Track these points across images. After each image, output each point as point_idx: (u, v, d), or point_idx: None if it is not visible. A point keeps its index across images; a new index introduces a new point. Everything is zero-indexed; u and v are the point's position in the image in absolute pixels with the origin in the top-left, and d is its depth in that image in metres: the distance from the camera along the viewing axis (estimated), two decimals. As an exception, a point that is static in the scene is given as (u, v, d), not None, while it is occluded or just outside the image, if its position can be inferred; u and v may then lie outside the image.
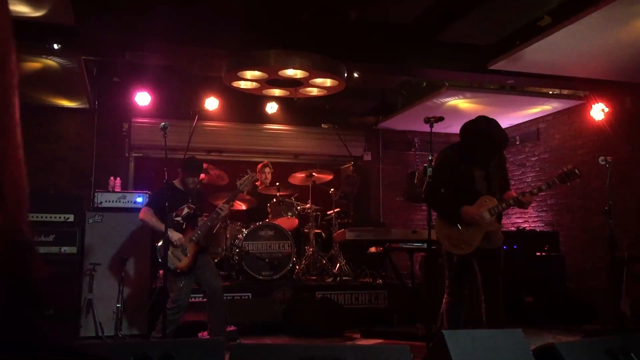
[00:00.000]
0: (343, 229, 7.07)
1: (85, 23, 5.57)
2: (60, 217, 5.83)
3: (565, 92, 7.70)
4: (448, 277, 4.29)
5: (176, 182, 5.22)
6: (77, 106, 7.97)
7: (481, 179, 4.20)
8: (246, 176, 5.25)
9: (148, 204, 5.18)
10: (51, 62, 6.24)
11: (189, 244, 4.93)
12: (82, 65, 6.39)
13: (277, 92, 7.15)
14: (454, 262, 4.23)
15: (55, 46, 5.82)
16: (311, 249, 7.42)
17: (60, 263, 5.69)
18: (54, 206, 5.88)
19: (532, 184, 8.76)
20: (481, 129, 4.07)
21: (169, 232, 4.87)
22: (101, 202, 6.17)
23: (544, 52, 5.98)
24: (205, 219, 5.17)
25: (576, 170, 3.94)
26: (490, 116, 4.23)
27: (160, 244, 4.95)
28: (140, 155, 8.80)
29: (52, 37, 5.70)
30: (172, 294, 4.91)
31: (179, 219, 5.06)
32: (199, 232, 4.99)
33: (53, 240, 5.74)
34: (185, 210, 5.08)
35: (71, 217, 5.88)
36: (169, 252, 4.84)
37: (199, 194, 5.34)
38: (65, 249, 5.77)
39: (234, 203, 6.27)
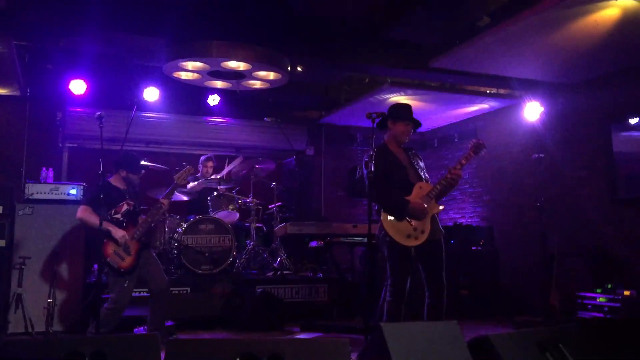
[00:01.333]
0: (284, 223, 7.09)
1: (17, 5, 5.32)
2: (-13, 209, 5.56)
3: (502, 91, 7.93)
4: (393, 275, 4.20)
5: (113, 180, 5.02)
6: (7, 93, 7.61)
7: (410, 168, 4.36)
8: (183, 169, 5.14)
9: (86, 202, 4.93)
10: (-21, 45, 5.92)
11: (131, 242, 4.77)
12: (13, 50, 6.09)
13: (219, 84, 7.06)
14: (404, 257, 4.18)
15: (-17, 29, 5.54)
16: (252, 243, 7.37)
17: (-13, 257, 5.44)
18: (-20, 197, 5.59)
19: (470, 181, 9.01)
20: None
21: (112, 230, 4.70)
22: (32, 194, 5.92)
23: (483, 52, 6.13)
24: (145, 216, 5.01)
25: (480, 141, 4.34)
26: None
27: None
28: (75, 145, 8.50)
29: (-21, 19, 5.42)
30: (113, 295, 4.72)
31: (118, 216, 4.87)
32: (140, 229, 4.83)
33: (-21, 233, 5.47)
34: (125, 207, 4.90)
35: (-1, 209, 5.61)
36: (112, 251, 4.67)
37: (137, 190, 5.17)
38: (-7, 242, 5.50)
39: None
